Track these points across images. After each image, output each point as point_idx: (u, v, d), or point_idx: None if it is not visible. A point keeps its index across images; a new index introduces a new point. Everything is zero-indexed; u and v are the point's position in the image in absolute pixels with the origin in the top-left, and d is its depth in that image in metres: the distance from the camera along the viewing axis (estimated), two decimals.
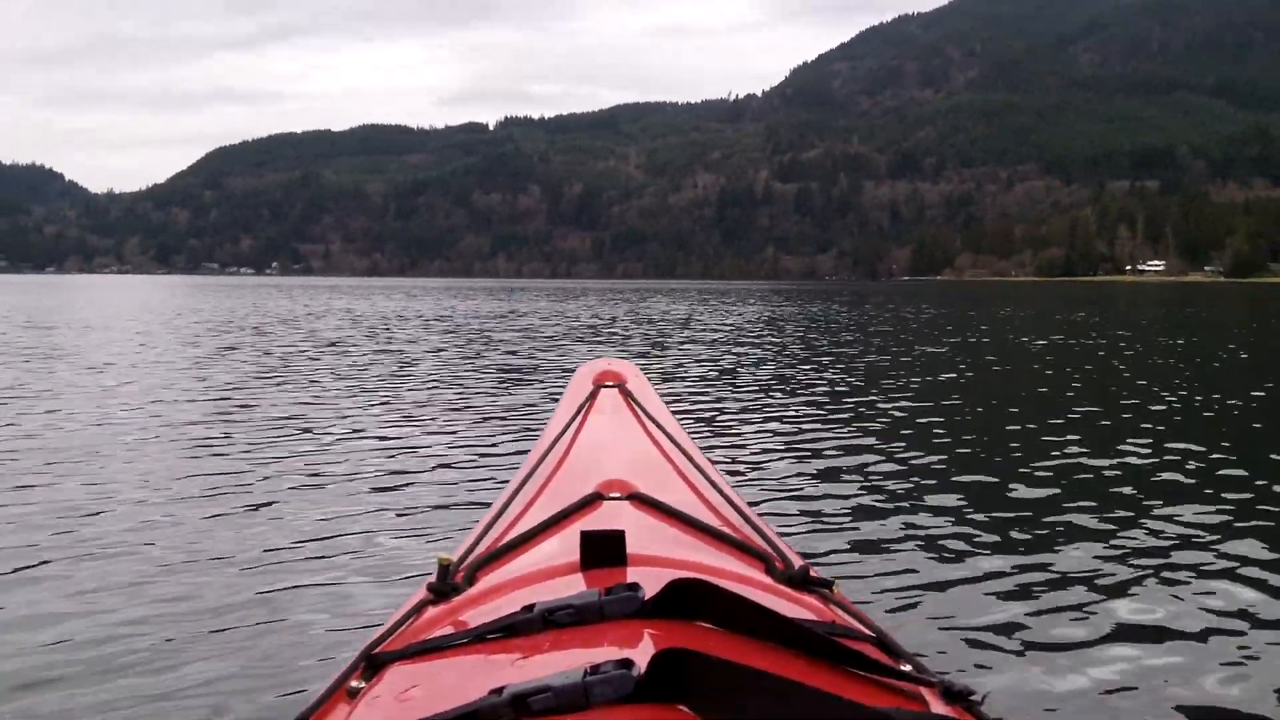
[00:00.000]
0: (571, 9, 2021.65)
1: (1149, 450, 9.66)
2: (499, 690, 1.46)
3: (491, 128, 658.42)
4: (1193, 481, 8.14)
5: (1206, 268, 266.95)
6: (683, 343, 24.45)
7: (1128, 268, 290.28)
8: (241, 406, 12.37)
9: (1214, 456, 9.27)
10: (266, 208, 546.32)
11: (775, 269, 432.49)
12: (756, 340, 25.66)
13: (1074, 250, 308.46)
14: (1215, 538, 6.38)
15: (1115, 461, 9.00)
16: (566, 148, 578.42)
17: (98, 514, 6.79)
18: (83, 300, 57.51)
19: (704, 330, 30.03)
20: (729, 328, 31.30)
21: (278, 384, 14.86)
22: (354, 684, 1.79)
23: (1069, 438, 10.39)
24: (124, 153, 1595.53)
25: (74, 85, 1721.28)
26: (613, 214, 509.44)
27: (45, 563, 5.73)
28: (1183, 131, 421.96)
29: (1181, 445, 9.89)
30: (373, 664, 1.83)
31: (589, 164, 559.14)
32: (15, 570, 5.58)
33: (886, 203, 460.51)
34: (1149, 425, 11.32)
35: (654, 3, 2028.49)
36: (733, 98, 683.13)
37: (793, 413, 12.30)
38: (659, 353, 21.91)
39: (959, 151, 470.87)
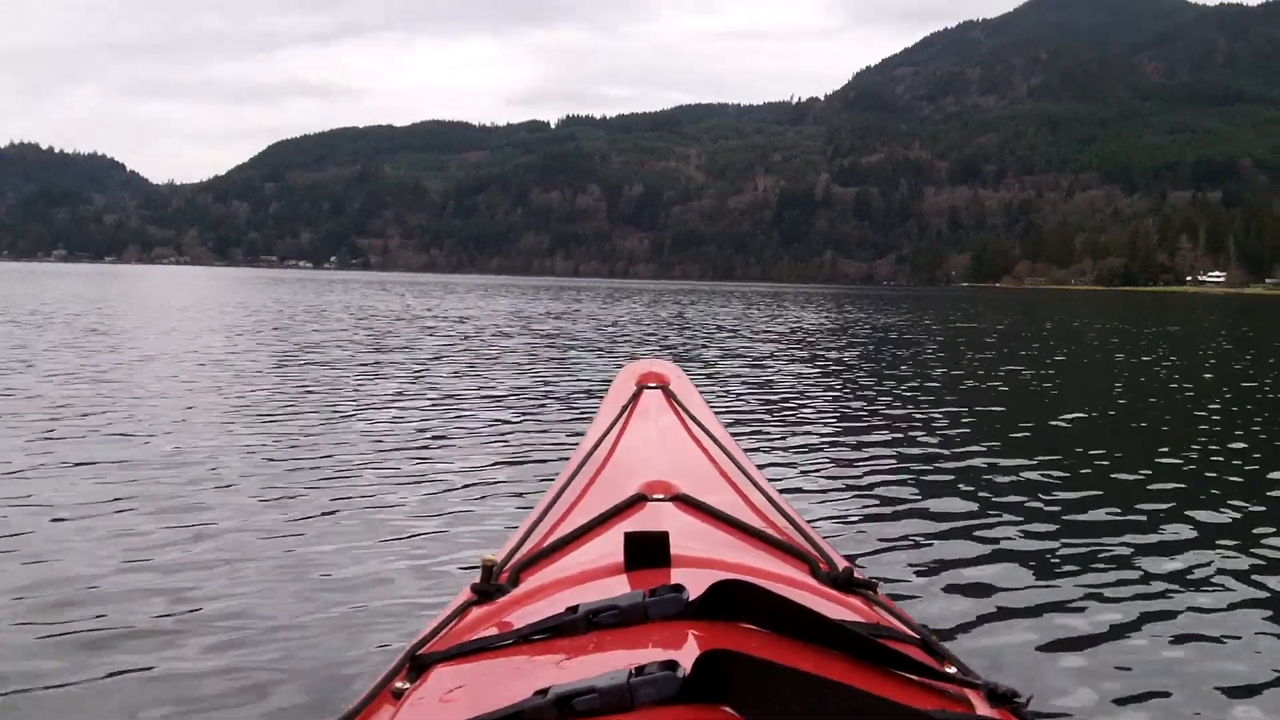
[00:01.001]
0: (647, 12, 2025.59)
1: (1212, 458, 9.67)
2: (544, 691, 1.46)
3: (553, 126, 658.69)
4: (1259, 492, 8.09)
5: (1268, 280, 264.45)
6: (728, 344, 24.33)
7: (1188, 278, 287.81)
8: (289, 405, 12.36)
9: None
10: (326, 201, 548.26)
11: (833, 273, 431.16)
12: (804, 344, 25.61)
13: (1134, 260, 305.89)
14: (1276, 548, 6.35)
15: (1176, 469, 9.00)
16: (627, 147, 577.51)
17: (143, 511, 6.80)
18: (152, 290, 57.58)
19: (752, 334, 29.89)
20: (780, 332, 31.09)
21: (325, 383, 14.77)
22: (398, 685, 1.80)
23: (1127, 447, 10.32)
24: (188, 145, 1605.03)
25: (149, 77, 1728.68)
26: (672, 214, 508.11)
27: (90, 558, 5.73)
28: (1247, 143, 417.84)
29: (1249, 457, 9.85)
30: (417, 665, 1.84)
31: (649, 164, 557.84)
32: (55, 564, 5.61)
33: (946, 209, 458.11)
34: (1213, 435, 11.23)
35: (728, 7, 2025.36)
36: (795, 101, 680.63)
37: (836, 416, 12.34)
38: (704, 353, 21.93)
39: (1020, 159, 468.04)
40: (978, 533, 6.60)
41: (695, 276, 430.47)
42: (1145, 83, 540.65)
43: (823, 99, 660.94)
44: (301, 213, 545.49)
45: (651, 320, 35.66)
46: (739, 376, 16.73)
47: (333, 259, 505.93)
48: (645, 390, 3.59)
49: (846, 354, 22.34)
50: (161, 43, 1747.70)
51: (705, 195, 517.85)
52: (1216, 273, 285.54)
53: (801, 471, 8.64)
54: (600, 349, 22.31)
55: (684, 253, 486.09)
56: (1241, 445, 10.70)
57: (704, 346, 23.89)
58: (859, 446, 10.08)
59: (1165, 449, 10.15)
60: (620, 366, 4.14)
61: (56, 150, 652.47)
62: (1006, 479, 8.35)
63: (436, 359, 19.19)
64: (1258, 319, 53.62)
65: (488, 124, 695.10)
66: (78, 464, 8.33)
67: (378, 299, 53.80)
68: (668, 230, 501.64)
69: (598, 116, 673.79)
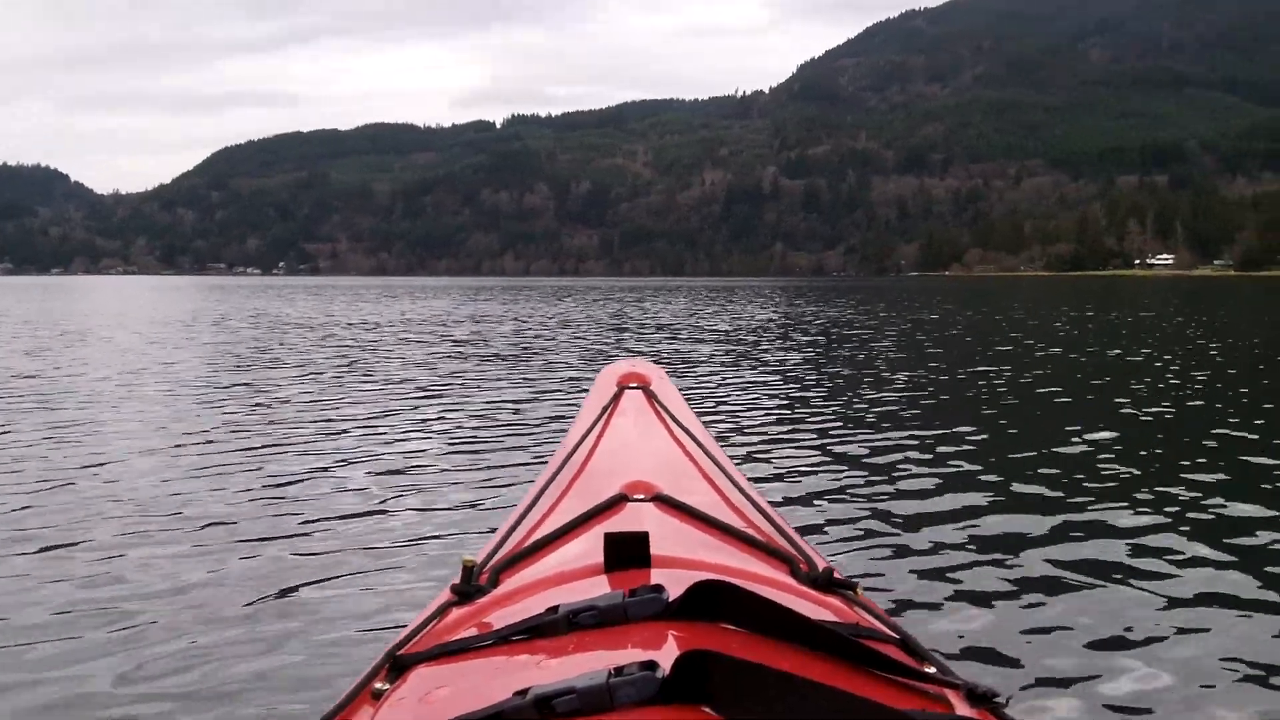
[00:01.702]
0: (591, 10, 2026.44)
1: (1187, 449, 9.60)
2: (523, 692, 1.45)
3: (499, 126, 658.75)
4: (1233, 482, 8.08)
5: (1216, 261, 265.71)
6: (698, 345, 23.59)
7: (1137, 262, 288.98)
8: (262, 409, 12.38)
9: (1258, 457, 9.17)
10: (273, 208, 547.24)
11: (784, 265, 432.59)
12: (777, 343, 24.95)
13: (1083, 245, 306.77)
14: (1256, 540, 6.37)
15: (1150, 463, 9.03)
16: (574, 145, 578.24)
17: (118, 516, 6.82)
18: (101, 305, 56.41)
19: (717, 333, 29.03)
20: (745, 330, 30.30)
21: (297, 386, 14.82)
22: (378, 685, 1.79)
23: (1100, 440, 10.15)
24: (132, 155, 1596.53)
25: (93, 89, 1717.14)
26: (620, 211, 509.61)
27: (65, 564, 5.77)
28: (1192, 127, 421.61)
29: (1222, 444, 9.81)
30: (397, 665, 1.83)
31: (596, 161, 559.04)
32: (33, 574, 5.60)
33: (894, 199, 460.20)
34: (1188, 424, 11.25)
35: (673, 3, 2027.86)
36: (740, 95, 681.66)
37: (817, 415, 12.13)
38: (680, 353, 21.51)
39: (967, 147, 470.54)
40: (958, 533, 6.59)
41: (645, 273, 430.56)
42: (1091, 69, 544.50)
43: (768, 92, 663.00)
44: (248, 219, 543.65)
45: (585, 322, 34.57)
46: (718, 378, 16.48)
47: (281, 265, 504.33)
48: (626, 391, 3.59)
49: (819, 353, 21.87)
50: (103, 55, 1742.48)
51: (653, 191, 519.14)
52: (1165, 256, 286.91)
53: (782, 472, 8.65)
54: (577, 349, 21.40)
55: (633, 249, 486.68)
56: (1235, 441, 10.27)
57: (671, 346, 23.07)
58: (839, 446, 9.91)
59: (1153, 446, 9.92)
60: (600, 368, 4.14)
61: (0, 164, 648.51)
62: (988, 478, 8.31)
63: (412, 362, 19.14)
64: (1212, 302, 53.05)
65: (433, 125, 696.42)
66: (53, 467, 8.52)
67: (313, 306, 52.66)
68: (617, 227, 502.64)
69: (544, 115, 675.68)
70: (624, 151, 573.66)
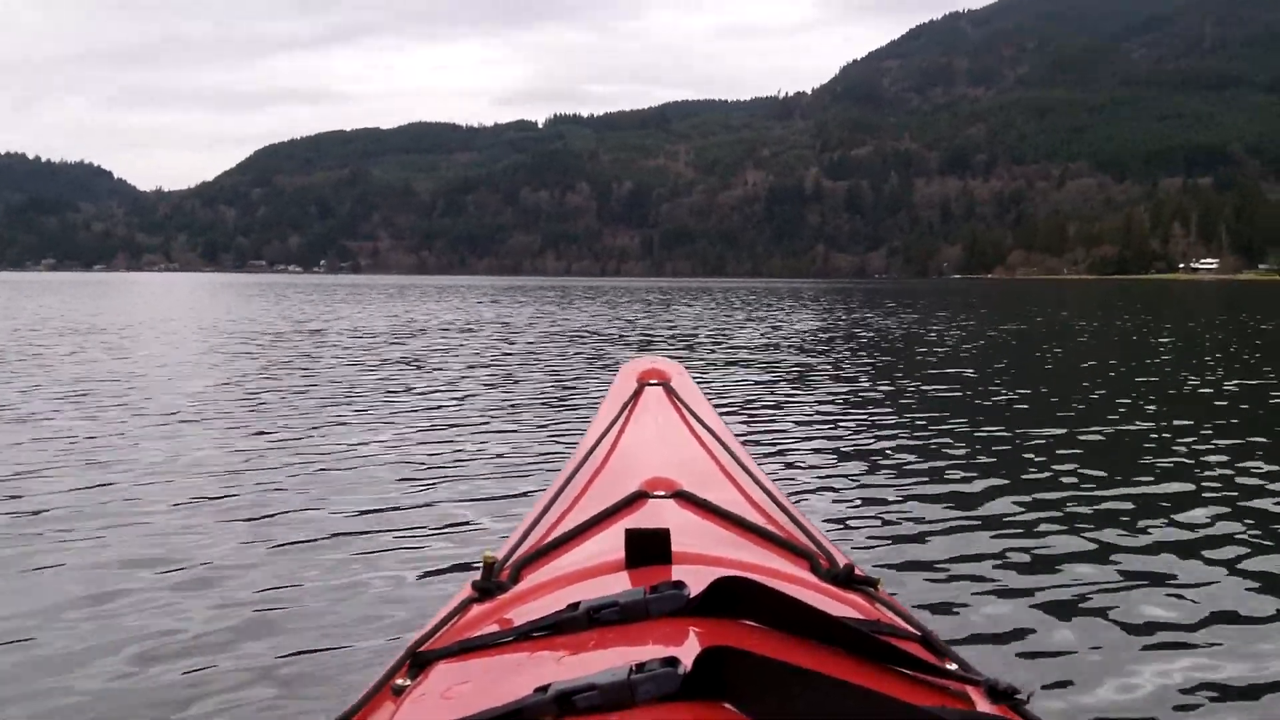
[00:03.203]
0: (635, 9, 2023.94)
1: (1219, 456, 9.43)
2: (544, 688, 1.45)
3: (541, 125, 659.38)
4: (1259, 488, 8.02)
5: (1261, 265, 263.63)
6: (725, 341, 23.10)
7: (1181, 265, 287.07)
8: (286, 406, 12.37)
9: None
10: (315, 205, 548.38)
11: (825, 267, 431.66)
12: (803, 342, 24.86)
13: (1128, 248, 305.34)
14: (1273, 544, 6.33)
15: (1181, 468, 8.98)
16: (616, 145, 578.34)
17: (140, 511, 6.85)
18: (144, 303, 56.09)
19: (750, 332, 28.57)
20: (777, 333, 29.76)
21: (322, 384, 14.86)
22: (399, 682, 1.80)
23: (1127, 446, 10.11)
24: (175, 152, 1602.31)
25: (136, 86, 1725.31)
26: (662, 212, 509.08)
27: (86, 560, 5.77)
28: (1237, 129, 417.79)
29: (1251, 451, 9.63)
30: (417, 662, 1.84)
31: (638, 162, 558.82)
32: (51, 568, 5.64)
33: (937, 200, 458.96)
34: (1219, 431, 10.93)
35: (714, 3, 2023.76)
36: (783, 95, 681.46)
37: (838, 414, 12.15)
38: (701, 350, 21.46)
39: (1010, 148, 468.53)
40: (979, 529, 6.62)
41: (686, 273, 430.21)
42: (1134, 69, 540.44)
43: (810, 93, 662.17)
44: (290, 217, 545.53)
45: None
46: (741, 375, 16.51)
47: (322, 262, 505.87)
48: (646, 387, 3.60)
49: (846, 352, 21.78)
50: (147, 51, 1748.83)
51: (695, 191, 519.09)
52: (1209, 260, 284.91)
53: (803, 469, 8.71)
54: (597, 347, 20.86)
55: (674, 250, 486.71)
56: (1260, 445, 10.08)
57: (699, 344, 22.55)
58: (860, 444, 10.00)
59: (1183, 447, 9.81)
60: (620, 364, 4.13)
61: (44, 160, 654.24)
62: (1010, 477, 8.34)
63: (433, 359, 19.14)
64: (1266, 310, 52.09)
65: (475, 125, 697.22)
66: (67, 465, 8.51)
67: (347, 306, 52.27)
68: (658, 227, 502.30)
69: (585, 115, 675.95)
70: (666, 152, 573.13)
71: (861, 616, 1.96)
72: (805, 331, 29.90)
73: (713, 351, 21.89)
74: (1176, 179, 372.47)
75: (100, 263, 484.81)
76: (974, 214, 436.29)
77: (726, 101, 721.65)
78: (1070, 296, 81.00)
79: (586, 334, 27.35)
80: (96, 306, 44.30)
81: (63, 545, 6.06)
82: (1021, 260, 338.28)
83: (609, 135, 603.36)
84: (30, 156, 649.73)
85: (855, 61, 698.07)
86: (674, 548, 2.09)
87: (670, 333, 28.66)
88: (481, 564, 2.21)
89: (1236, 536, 6.42)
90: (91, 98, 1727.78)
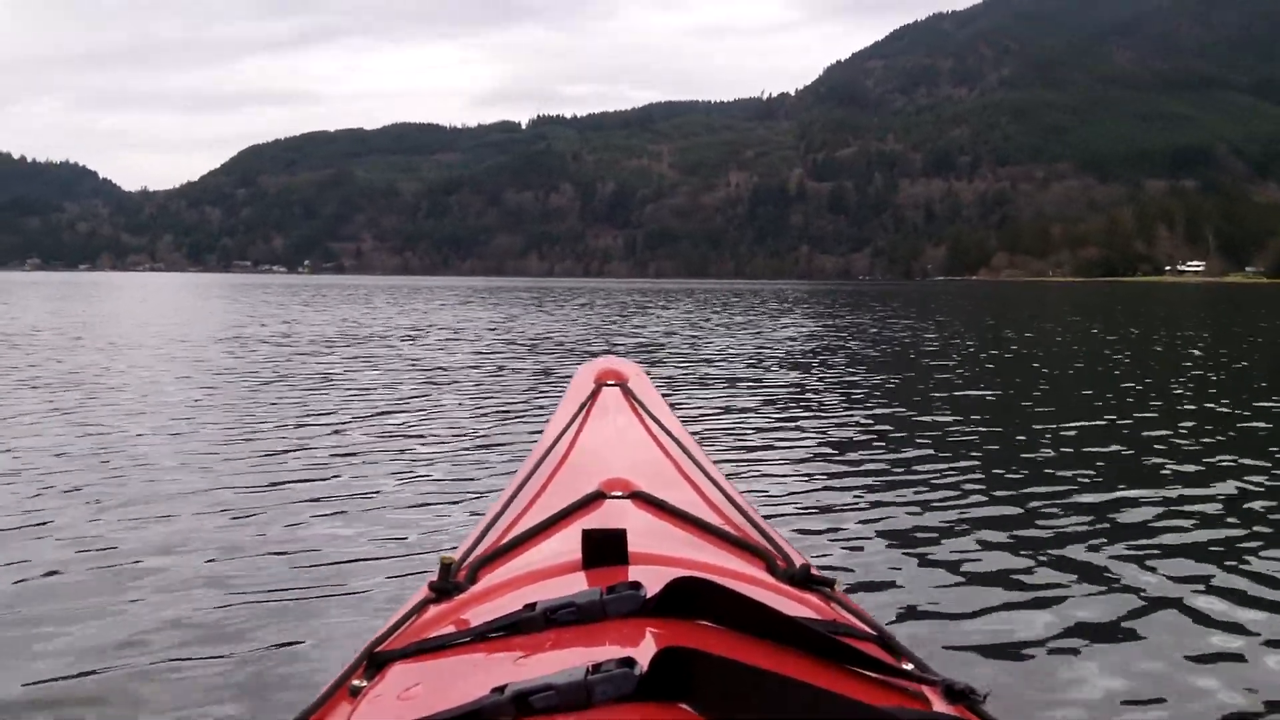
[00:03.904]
0: (608, 9, 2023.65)
1: (1166, 451, 9.80)
2: (501, 689, 1.45)
3: (524, 126, 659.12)
4: (1208, 490, 8.05)
5: (1247, 268, 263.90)
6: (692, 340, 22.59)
7: (1167, 268, 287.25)
8: (240, 408, 12.23)
9: (1244, 473, 8.96)
10: (299, 206, 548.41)
11: (809, 268, 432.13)
12: (767, 338, 25.29)
13: (1113, 250, 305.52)
14: (1223, 547, 6.37)
15: (1126, 462, 9.27)
16: (599, 146, 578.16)
17: (99, 518, 6.76)
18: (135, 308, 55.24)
19: (718, 336, 28.15)
20: (748, 337, 29.29)
21: (278, 386, 14.70)
22: (356, 682, 1.79)
23: (1078, 440, 10.41)
24: (158, 152, 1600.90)
25: (111, 87, 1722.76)
26: (645, 212, 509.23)
27: (52, 567, 5.70)
28: (1221, 130, 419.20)
29: (1205, 454, 9.74)
30: (374, 662, 1.83)
31: (621, 162, 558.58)
32: (29, 573, 5.58)
33: (921, 201, 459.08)
34: (1169, 429, 11.18)
35: (691, 3, 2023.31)
36: (766, 96, 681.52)
37: (796, 414, 12.21)
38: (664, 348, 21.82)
39: (994, 150, 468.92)
40: (935, 530, 6.65)
41: (670, 274, 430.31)
42: (1116, 70, 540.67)
43: (794, 94, 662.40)
44: (274, 218, 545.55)
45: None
46: (698, 375, 16.70)
47: (306, 263, 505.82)
48: (604, 388, 3.62)
49: (804, 351, 22.18)
50: (130, 51, 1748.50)
51: (678, 192, 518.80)
52: (1196, 262, 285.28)
53: (760, 469, 8.77)
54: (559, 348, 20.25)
55: (658, 250, 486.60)
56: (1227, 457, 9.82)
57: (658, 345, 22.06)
58: (816, 443, 10.12)
59: (1146, 450, 9.95)
60: (578, 365, 4.18)
61: (29, 159, 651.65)
62: (965, 478, 8.39)
63: (390, 361, 19.06)
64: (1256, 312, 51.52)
65: (458, 125, 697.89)
66: (35, 465, 8.50)
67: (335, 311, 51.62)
68: (641, 228, 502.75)
69: (569, 116, 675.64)
70: (649, 153, 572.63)
71: (818, 616, 1.96)
72: (772, 333, 30.00)
73: (676, 353, 21.77)
74: (1161, 181, 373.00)
75: (85, 263, 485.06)
76: (958, 215, 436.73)
77: (710, 102, 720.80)
78: (1051, 298, 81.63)
79: (546, 340, 26.87)
80: (87, 308, 43.54)
81: (21, 542, 6.09)
82: (1006, 262, 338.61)
83: (592, 136, 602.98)
84: (14, 156, 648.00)
85: (839, 62, 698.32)
86: (631, 548, 2.10)
87: (634, 340, 28.13)
88: (439, 564, 2.20)
89: (1199, 541, 6.47)
90: (74, 97, 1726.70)
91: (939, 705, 1.62)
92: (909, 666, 1.76)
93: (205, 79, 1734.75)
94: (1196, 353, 22.82)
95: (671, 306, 53.53)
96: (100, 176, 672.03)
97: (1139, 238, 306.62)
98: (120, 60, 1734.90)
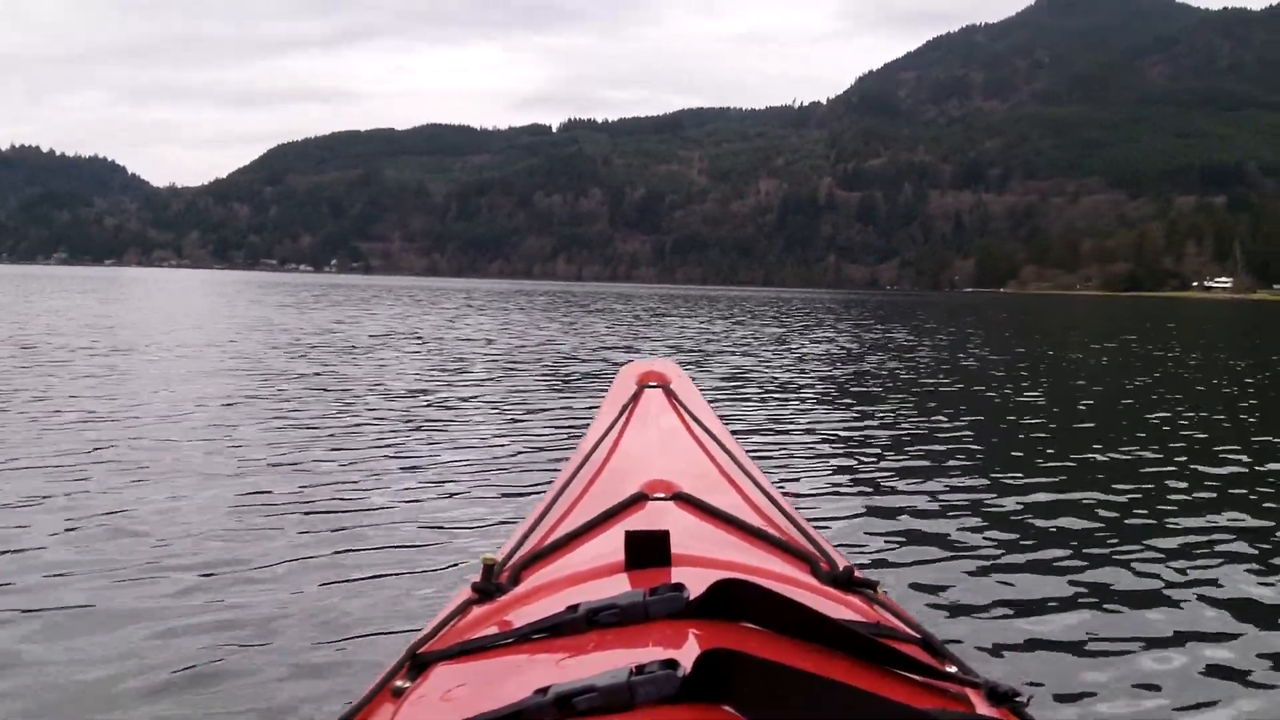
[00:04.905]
0: (652, 15, 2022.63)
1: (1210, 464, 9.82)
2: (544, 690, 1.45)
3: (555, 129, 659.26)
4: (1252, 499, 8.16)
5: (1275, 285, 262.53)
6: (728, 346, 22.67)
7: (1195, 284, 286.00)
8: (288, 410, 12.24)
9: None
10: (327, 205, 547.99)
11: (837, 277, 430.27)
12: (804, 344, 25.47)
13: (1141, 265, 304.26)
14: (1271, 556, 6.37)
15: (1173, 474, 9.24)
16: (630, 151, 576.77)
17: (141, 517, 6.79)
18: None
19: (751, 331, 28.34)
20: (781, 340, 29.40)
21: (321, 388, 14.69)
22: (399, 683, 1.80)
23: (1122, 449, 10.50)
24: (189, 148, 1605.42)
25: (151, 81, 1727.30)
26: (674, 218, 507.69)
27: (89, 567, 5.70)
28: (1252, 148, 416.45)
29: (1243, 464, 9.90)
30: (417, 663, 1.84)
31: (652, 168, 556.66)
32: (56, 575, 5.57)
33: (951, 213, 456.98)
34: (1210, 441, 11.29)
35: (731, 10, 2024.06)
36: (797, 105, 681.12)
37: (838, 418, 12.45)
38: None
39: (1025, 163, 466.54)
40: (979, 533, 6.71)
41: (698, 280, 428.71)
42: (1149, 87, 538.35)
43: (825, 103, 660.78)
44: (301, 216, 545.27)
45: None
46: (741, 378, 16.86)
47: (333, 262, 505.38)
48: (646, 390, 3.59)
49: (846, 356, 22.45)
50: (163, 47, 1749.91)
51: (708, 199, 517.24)
52: (1223, 278, 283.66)
53: (803, 471, 8.87)
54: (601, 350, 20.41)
55: (686, 256, 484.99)
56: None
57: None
58: (860, 447, 10.33)
59: (1180, 455, 10.20)
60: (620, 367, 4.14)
61: (58, 153, 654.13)
62: (1010, 481, 8.53)
63: (434, 363, 19.24)
64: None
65: (490, 127, 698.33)
66: (67, 464, 8.46)
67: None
68: (670, 234, 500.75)
69: (600, 120, 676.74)
70: (679, 158, 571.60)
71: (861, 619, 1.96)
72: (809, 339, 30.06)
73: (716, 355, 22.05)
74: (1191, 197, 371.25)
75: (111, 257, 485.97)
76: (987, 228, 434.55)
77: (741, 110, 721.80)
78: (1081, 313, 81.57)
79: (585, 341, 26.88)
80: (106, 309, 43.61)
81: (53, 550, 6.02)
82: (1034, 275, 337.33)
83: (623, 140, 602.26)
84: (44, 150, 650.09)
85: (871, 72, 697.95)
86: (674, 550, 2.09)
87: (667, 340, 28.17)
88: (481, 566, 2.21)
89: (1241, 541, 6.50)
90: (107, 93, 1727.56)
91: (982, 708, 1.63)
92: (952, 669, 1.76)
93: (242, 77, 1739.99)
94: (1239, 368, 23.00)
95: (698, 313, 53.63)
96: (129, 172, 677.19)
97: (1167, 253, 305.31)
98: (162, 55, 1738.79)
